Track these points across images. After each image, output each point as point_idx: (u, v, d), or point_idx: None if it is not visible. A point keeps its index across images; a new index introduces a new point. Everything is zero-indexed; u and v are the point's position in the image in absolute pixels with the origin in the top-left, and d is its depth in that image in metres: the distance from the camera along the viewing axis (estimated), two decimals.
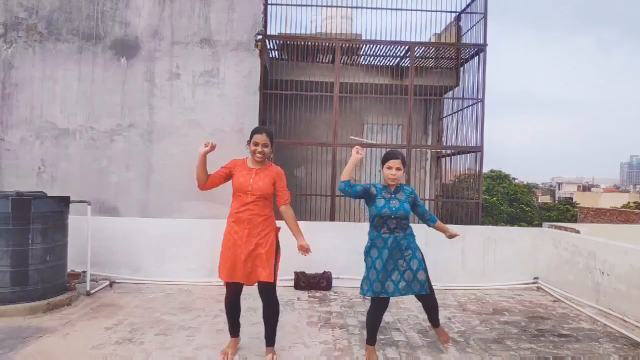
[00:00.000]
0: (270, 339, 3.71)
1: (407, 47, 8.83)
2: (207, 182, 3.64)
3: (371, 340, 3.76)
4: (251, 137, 3.62)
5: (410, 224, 3.78)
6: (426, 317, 4.60)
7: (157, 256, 5.97)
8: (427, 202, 10.24)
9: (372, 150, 9.63)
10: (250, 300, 5.17)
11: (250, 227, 3.56)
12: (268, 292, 3.64)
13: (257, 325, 4.44)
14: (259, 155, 3.60)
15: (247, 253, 3.54)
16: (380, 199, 3.67)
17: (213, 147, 3.55)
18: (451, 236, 3.92)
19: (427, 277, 3.74)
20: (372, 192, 3.70)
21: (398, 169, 3.66)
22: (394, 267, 3.65)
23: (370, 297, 3.73)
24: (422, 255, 3.78)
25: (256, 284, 3.64)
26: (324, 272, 5.93)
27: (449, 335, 4.03)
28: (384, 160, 3.73)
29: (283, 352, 3.83)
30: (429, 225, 3.92)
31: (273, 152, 3.73)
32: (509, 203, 32.50)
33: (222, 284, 3.76)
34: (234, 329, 3.83)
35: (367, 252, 3.76)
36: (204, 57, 7.51)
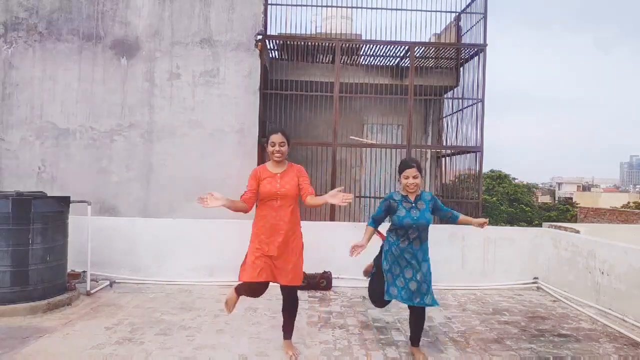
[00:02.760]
0: (290, 332, 3.83)
1: (407, 47, 8.84)
2: (249, 206, 3.60)
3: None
4: (267, 139, 3.69)
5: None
6: (427, 316, 4.60)
7: (157, 256, 5.97)
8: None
9: (372, 150, 9.63)
10: (251, 301, 5.18)
11: (281, 231, 3.60)
12: (293, 293, 3.74)
13: (256, 325, 4.44)
14: (278, 155, 3.65)
15: (277, 256, 3.58)
16: (401, 209, 3.70)
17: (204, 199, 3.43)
18: (480, 225, 3.90)
19: (432, 292, 3.77)
20: (393, 206, 3.74)
21: (415, 177, 3.69)
22: (412, 276, 3.70)
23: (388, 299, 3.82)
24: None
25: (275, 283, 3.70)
26: (324, 272, 5.93)
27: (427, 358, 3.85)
28: (400, 171, 3.77)
29: (283, 351, 3.83)
30: (454, 223, 3.95)
31: (289, 149, 3.75)
32: (509, 203, 32.51)
33: (221, 283, 3.77)
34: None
35: (384, 255, 3.82)
36: (204, 57, 7.51)
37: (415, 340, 3.85)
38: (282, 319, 4.25)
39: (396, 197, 3.77)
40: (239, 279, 3.63)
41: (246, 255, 3.66)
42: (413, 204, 3.70)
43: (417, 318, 3.79)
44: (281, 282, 3.63)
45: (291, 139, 3.80)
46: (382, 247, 3.92)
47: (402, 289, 3.69)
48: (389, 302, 3.83)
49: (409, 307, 3.80)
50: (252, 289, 3.65)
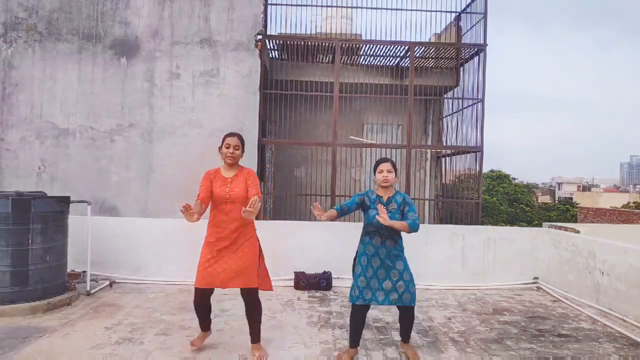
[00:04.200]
0: (256, 336, 3.76)
1: (407, 47, 8.84)
2: (205, 206, 3.62)
3: (355, 343, 3.77)
4: (223, 140, 3.71)
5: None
6: (426, 317, 4.60)
7: (157, 256, 5.97)
8: (427, 202, 10.25)
9: (372, 150, 9.63)
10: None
11: (231, 233, 3.61)
12: (252, 295, 3.68)
13: None
14: (231, 158, 3.66)
15: (229, 260, 3.60)
16: (372, 209, 3.68)
17: (187, 208, 3.38)
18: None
19: (414, 290, 3.72)
20: (366, 203, 3.74)
21: (389, 171, 3.69)
22: (386, 276, 3.66)
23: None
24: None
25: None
26: (324, 272, 5.93)
27: (418, 354, 3.85)
28: (375, 167, 3.78)
29: (283, 352, 3.84)
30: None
31: (243, 155, 3.76)
32: (509, 203, 32.50)
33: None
34: (205, 325, 3.87)
35: (357, 259, 3.77)
36: (204, 57, 7.51)
37: (405, 336, 3.87)
38: (281, 319, 4.26)
39: (372, 195, 3.76)
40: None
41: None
42: (385, 205, 3.68)
43: (404, 317, 3.78)
44: (232, 286, 3.62)
45: (245, 145, 3.84)
46: (356, 252, 3.84)
47: (377, 290, 3.65)
48: (367, 308, 3.73)
49: (398, 307, 3.79)
50: (200, 294, 3.67)
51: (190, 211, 3.35)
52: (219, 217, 3.65)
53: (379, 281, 3.66)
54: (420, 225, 3.94)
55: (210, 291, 3.72)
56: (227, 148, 3.67)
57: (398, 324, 4.55)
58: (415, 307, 3.79)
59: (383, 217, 3.42)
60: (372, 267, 3.67)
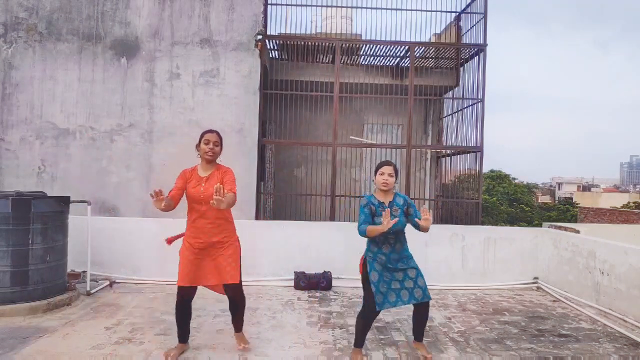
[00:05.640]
0: (240, 324, 3.85)
1: (407, 47, 8.84)
2: (174, 203, 3.57)
3: (360, 343, 3.78)
4: (201, 137, 3.70)
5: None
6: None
7: (157, 256, 5.96)
8: (427, 202, 10.25)
9: (372, 150, 9.63)
10: (251, 300, 5.18)
11: (209, 234, 3.60)
12: (236, 291, 3.71)
13: (256, 325, 4.44)
14: (210, 154, 3.64)
15: (208, 258, 3.61)
16: (379, 217, 3.64)
17: (158, 194, 3.35)
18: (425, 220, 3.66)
19: (425, 284, 3.74)
20: (373, 210, 3.72)
21: (390, 175, 3.68)
22: (404, 276, 3.68)
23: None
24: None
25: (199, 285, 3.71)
26: (324, 272, 5.93)
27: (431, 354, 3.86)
28: (377, 169, 3.78)
29: (283, 352, 3.84)
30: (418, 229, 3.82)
31: (221, 153, 3.76)
32: (509, 203, 32.50)
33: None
34: (184, 334, 3.79)
35: (370, 266, 3.70)
36: (204, 57, 7.51)
37: (419, 335, 3.86)
38: (281, 319, 4.27)
39: (374, 201, 3.72)
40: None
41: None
42: (388, 208, 3.65)
43: (421, 314, 3.79)
44: (214, 283, 3.63)
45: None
46: (364, 261, 3.79)
47: (400, 291, 3.66)
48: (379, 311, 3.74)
49: (415, 306, 3.79)
50: (181, 294, 3.67)
51: (160, 197, 3.30)
52: (195, 216, 3.63)
53: (399, 282, 3.67)
54: None
55: (193, 292, 3.70)
56: (207, 144, 3.65)
57: (398, 324, 4.57)
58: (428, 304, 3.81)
59: (428, 219, 3.48)
60: (389, 272, 3.67)
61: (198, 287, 3.72)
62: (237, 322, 3.84)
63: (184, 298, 3.68)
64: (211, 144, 3.65)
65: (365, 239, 3.77)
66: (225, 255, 3.63)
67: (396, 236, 3.68)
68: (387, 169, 3.70)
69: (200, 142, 3.69)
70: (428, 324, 4.61)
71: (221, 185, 3.25)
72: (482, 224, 10.19)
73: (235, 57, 7.53)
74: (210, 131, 3.74)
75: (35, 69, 7.36)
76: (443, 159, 10.27)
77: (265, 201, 9.26)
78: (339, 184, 8.95)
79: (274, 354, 3.80)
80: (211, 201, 3.22)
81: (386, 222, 3.37)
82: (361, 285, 3.79)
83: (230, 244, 3.68)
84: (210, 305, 5.02)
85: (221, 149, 3.73)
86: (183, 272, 3.61)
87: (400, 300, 3.66)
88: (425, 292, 3.68)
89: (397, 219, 3.55)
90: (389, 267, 3.67)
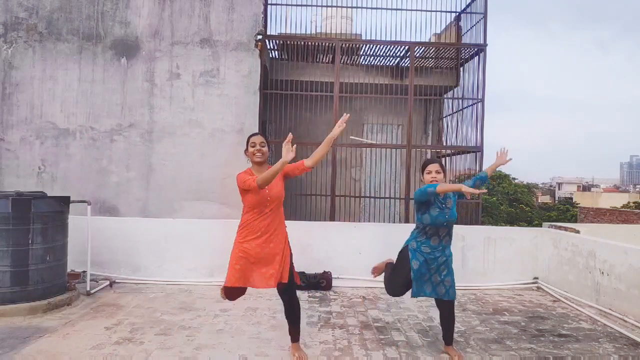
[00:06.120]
0: (296, 335, 3.79)
1: (407, 47, 8.84)
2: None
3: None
4: (248, 141, 3.70)
5: (410, 224, 3.79)
6: (426, 317, 4.59)
7: (157, 256, 5.97)
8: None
9: (372, 150, 9.63)
10: (251, 300, 5.18)
11: (267, 235, 3.60)
12: (290, 292, 3.70)
13: (256, 325, 4.44)
14: (259, 155, 3.63)
15: (265, 259, 3.59)
16: (434, 207, 3.73)
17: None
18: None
19: (453, 284, 3.82)
20: (431, 200, 3.75)
21: (438, 172, 3.77)
22: (437, 271, 3.75)
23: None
24: None
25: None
26: (324, 272, 5.93)
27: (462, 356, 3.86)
28: (423, 168, 3.87)
29: (283, 352, 3.84)
30: (485, 181, 4.04)
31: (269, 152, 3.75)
32: (509, 203, 32.49)
33: (221, 283, 3.77)
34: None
35: (412, 255, 3.80)
36: (204, 57, 7.51)
37: (448, 338, 3.87)
38: (282, 318, 4.24)
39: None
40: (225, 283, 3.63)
41: (230, 259, 3.64)
42: (444, 203, 3.74)
43: (447, 314, 3.84)
44: (268, 285, 3.60)
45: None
46: (407, 245, 3.89)
47: (431, 284, 3.76)
48: (403, 293, 3.92)
49: (438, 305, 3.87)
50: (231, 292, 3.68)
51: (289, 145, 3.41)
52: (255, 218, 3.59)
53: (430, 275, 3.76)
54: (420, 225, 3.93)
55: (242, 293, 3.74)
56: (253, 147, 3.64)
57: (398, 324, 4.57)
58: (410, 301, 3.85)
59: (471, 190, 3.48)
60: (427, 264, 3.75)
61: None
62: (294, 329, 3.76)
63: (233, 297, 3.72)
64: (257, 146, 3.64)
65: (414, 231, 3.88)
66: (280, 255, 3.61)
67: (448, 230, 3.77)
68: (433, 167, 3.80)
69: (247, 146, 3.69)
70: (428, 323, 4.62)
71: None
72: (482, 224, 10.19)
73: (235, 57, 7.53)
74: (255, 134, 3.75)
75: (35, 69, 7.36)
76: (443, 159, 10.27)
77: None
78: (339, 184, 8.95)
79: (274, 354, 3.80)
80: (340, 123, 3.52)
81: (467, 189, 3.45)
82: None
83: (284, 241, 3.69)
84: (210, 305, 5.03)
85: (268, 149, 3.73)
86: (234, 273, 3.56)
87: (424, 291, 3.77)
88: (448, 291, 3.74)
89: (443, 208, 3.68)
90: (429, 261, 3.74)
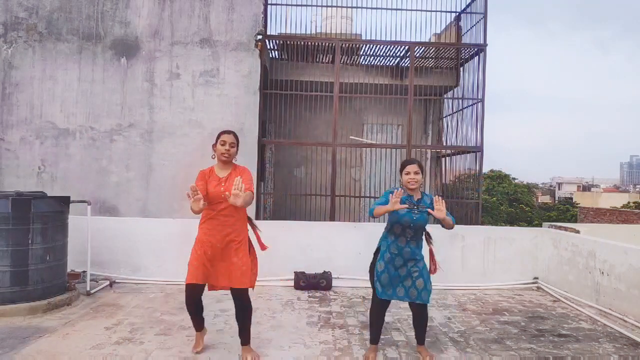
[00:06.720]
0: (247, 337, 3.73)
1: (407, 47, 8.84)
2: (205, 207, 3.52)
3: (377, 339, 3.80)
4: (218, 137, 3.67)
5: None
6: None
7: (157, 256, 5.97)
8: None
9: (372, 150, 9.63)
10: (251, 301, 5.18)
11: (224, 233, 3.57)
12: (243, 296, 3.65)
13: (256, 325, 4.43)
14: (226, 155, 3.62)
15: (221, 259, 3.58)
16: (402, 205, 3.66)
17: (195, 191, 3.35)
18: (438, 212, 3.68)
19: (429, 290, 3.76)
20: (401, 200, 3.70)
21: (416, 172, 3.71)
22: (407, 274, 3.69)
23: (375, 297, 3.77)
24: None
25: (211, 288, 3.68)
26: (324, 272, 5.93)
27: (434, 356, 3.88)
28: (401, 169, 3.81)
29: (283, 352, 3.84)
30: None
31: (237, 153, 3.73)
32: (509, 203, 32.49)
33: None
34: (199, 324, 3.81)
35: (380, 256, 3.77)
36: (204, 57, 7.51)
37: (419, 338, 3.86)
38: (281, 319, 4.25)
39: (402, 194, 3.71)
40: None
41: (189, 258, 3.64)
42: (415, 204, 3.70)
43: (419, 316, 3.81)
44: (221, 285, 3.60)
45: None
46: (379, 246, 3.87)
47: (403, 288, 3.69)
48: (388, 304, 3.81)
49: (410, 306, 3.82)
50: (190, 291, 3.62)
51: (197, 197, 3.29)
52: (213, 216, 3.60)
53: (400, 278, 3.70)
54: (389, 225, 3.90)
55: (201, 290, 3.67)
56: (223, 145, 3.63)
57: (398, 324, 4.57)
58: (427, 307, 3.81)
59: (441, 209, 3.46)
60: (394, 265, 3.70)
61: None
62: (244, 332, 3.70)
63: (193, 296, 3.65)
64: (227, 145, 3.63)
65: (384, 231, 3.84)
66: (238, 257, 3.59)
67: (415, 232, 3.70)
68: (412, 168, 3.73)
69: (216, 142, 3.67)
70: (428, 323, 4.61)
71: (241, 179, 3.27)
72: (482, 224, 10.19)
73: (235, 57, 7.53)
74: (227, 132, 3.71)
75: (35, 69, 7.36)
76: (443, 159, 10.27)
77: (265, 201, 9.26)
78: (339, 184, 8.95)
79: (274, 354, 3.80)
80: (227, 194, 3.24)
81: (394, 201, 3.40)
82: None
83: (244, 244, 3.65)
84: (210, 305, 5.02)
85: (237, 150, 3.71)
86: (193, 270, 3.57)
87: (395, 295, 3.70)
88: (420, 294, 3.68)
89: (412, 209, 3.60)
90: (397, 261, 3.69)
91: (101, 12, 7.46)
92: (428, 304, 3.78)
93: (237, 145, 3.71)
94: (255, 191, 7.51)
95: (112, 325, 4.33)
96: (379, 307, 3.77)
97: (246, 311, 3.67)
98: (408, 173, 3.72)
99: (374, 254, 3.87)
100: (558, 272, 5.97)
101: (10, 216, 4.57)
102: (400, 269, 3.69)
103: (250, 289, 3.69)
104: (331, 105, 8.56)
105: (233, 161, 3.74)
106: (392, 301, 3.82)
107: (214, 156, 3.73)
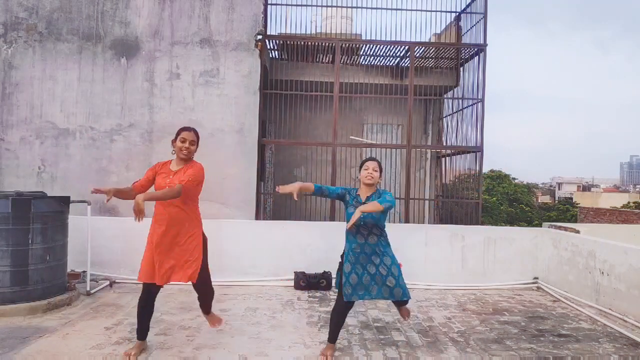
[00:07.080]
0: (208, 307, 4.00)
1: (407, 47, 8.84)
2: (133, 196, 3.54)
3: (333, 338, 3.82)
4: (178, 134, 3.64)
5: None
6: (426, 317, 4.60)
7: None
8: (427, 202, 10.25)
9: (372, 150, 9.63)
10: (251, 300, 5.18)
11: (173, 229, 3.58)
12: (204, 286, 3.82)
13: (256, 325, 4.44)
14: (185, 152, 3.60)
15: (169, 254, 3.60)
16: (351, 206, 3.71)
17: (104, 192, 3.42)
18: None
19: (404, 284, 3.74)
20: (346, 199, 3.79)
21: (375, 170, 3.73)
22: (376, 271, 3.68)
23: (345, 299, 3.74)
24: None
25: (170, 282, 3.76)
26: (324, 272, 5.93)
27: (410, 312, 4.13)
28: (361, 164, 3.82)
29: (283, 352, 3.84)
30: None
31: (197, 150, 3.72)
32: (509, 203, 32.50)
33: (221, 283, 3.78)
34: (142, 331, 3.74)
35: (345, 257, 3.77)
36: (204, 57, 7.51)
37: (403, 311, 4.04)
38: (281, 319, 4.24)
39: (353, 193, 3.81)
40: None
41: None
42: (361, 203, 3.68)
43: (400, 306, 3.96)
44: (174, 280, 3.66)
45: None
46: (343, 251, 3.85)
47: (369, 285, 3.67)
48: (352, 304, 3.78)
49: (392, 302, 3.89)
50: (146, 290, 3.67)
51: (109, 196, 3.40)
52: (160, 210, 3.60)
53: (370, 276, 3.68)
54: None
55: (157, 289, 3.68)
56: (183, 142, 3.60)
57: (398, 324, 4.58)
58: (410, 302, 3.83)
59: (353, 221, 3.44)
60: (361, 264, 3.69)
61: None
62: (206, 305, 3.95)
63: (147, 295, 3.67)
64: (187, 143, 3.61)
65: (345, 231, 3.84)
66: (187, 251, 3.61)
67: (369, 229, 3.69)
68: (371, 164, 3.76)
69: (176, 138, 3.64)
70: (428, 323, 4.62)
71: (142, 200, 3.31)
72: (482, 224, 10.18)
73: (235, 57, 7.53)
74: (188, 129, 3.67)
75: (35, 69, 7.36)
76: (443, 159, 10.27)
77: (265, 201, 9.25)
78: (339, 184, 8.95)
79: (274, 354, 3.80)
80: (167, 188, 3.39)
81: (354, 219, 3.42)
82: None
83: (194, 239, 3.65)
84: None
85: (197, 147, 3.69)
86: (144, 268, 3.62)
87: (368, 294, 3.69)
88: (392, 291, 3.67)
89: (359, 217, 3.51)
90: (362, 259, 3.68)
91: (101, 12, 7.45)
92: (409, 299, 3.82)
93: (197, 143, 3.69)
94: (255, 191, 7.53)
95: (112, 325, 4.33)
96: (343, 308, 3.76)
97: (207, 294, 3.89)
98: (367, 168, 3.74)
99: (341, 256, 3.85)
100: (558, 272, 5.97)
101: (10, 216, 4.57)
102: (368, 266, 3.67)
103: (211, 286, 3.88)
104: (331, 105, 8.55)
105: (193, 158, 3.72)
106: (392, 301, 3.83)
107: (173, 152, 3.68)
